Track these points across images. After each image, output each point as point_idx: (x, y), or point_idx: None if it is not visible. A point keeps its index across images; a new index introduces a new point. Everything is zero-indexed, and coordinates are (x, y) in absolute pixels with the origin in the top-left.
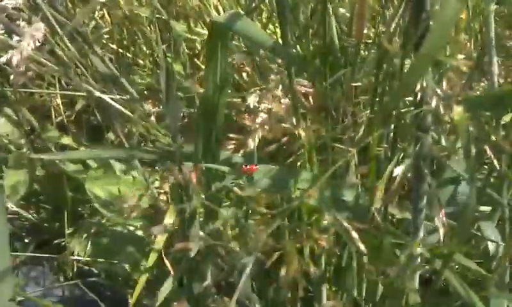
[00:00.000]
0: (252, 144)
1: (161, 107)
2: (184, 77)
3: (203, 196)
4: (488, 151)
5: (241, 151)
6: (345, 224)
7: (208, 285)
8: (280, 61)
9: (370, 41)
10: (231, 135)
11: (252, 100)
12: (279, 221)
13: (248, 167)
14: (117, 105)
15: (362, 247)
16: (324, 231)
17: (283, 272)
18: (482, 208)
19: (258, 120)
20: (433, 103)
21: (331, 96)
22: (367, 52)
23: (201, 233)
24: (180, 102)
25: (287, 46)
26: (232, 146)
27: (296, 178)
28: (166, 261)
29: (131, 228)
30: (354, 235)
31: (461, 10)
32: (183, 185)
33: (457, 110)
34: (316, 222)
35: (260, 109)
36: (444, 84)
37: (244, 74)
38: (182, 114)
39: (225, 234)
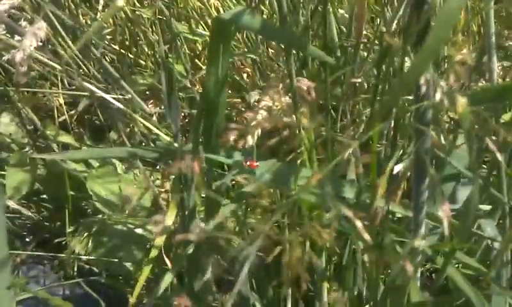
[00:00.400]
0: (251, 140)
1: (163, 107)
2: (185, 77)
3: (204, 194)
4: (491, 145)
5: (240, 143)
6: (349, 213)
7: (209, 280)
8: (280, 59)
9: (369, 41)
10: (232, 125)
11: (252, 98)
12: (279, 215)
13: (248, 163)
14: (119, 105)
15: (367, 236)
16: (326, 225)
17: (285, 259)
18: (483, 206)
19: (258, 117)
20: (437, 97)
21: (331, 95)
22: (366, 53)
23: (201, 224)
24: (180, 102)
25: (286, 28)
26: (233, 136)
27: (296, 175)
28: (166, 259)
29: (132, 227)
30: (358, 224)
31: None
32: (183, 182)
33: (462, 102)
34: (317, 217)
35: (260, 106)
36: (451, 77)
37: (245, 75)
38: (183, 114)
39: (226, 227)
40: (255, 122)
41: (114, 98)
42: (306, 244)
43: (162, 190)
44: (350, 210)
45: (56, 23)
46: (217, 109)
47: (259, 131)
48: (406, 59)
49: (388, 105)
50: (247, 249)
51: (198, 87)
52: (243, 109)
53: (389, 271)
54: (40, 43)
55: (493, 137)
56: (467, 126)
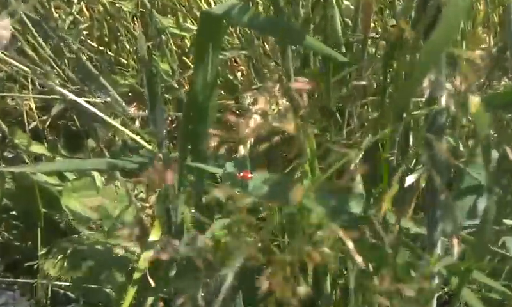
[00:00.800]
0: (243, 149)
1: (146, 111)
2: (171, 77)
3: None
4: (510, 155)
5: (222, 150)
6: (340, 233)
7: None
8: (277, 55)
9: (377, 35)
10: (212, 131)
11: (246, 101)
12: (268, 233)
13: (242, 174)
14: (96, 110)
15: (359, 259)
16: (319, 244)
17: (264, 286)
18: (508, 221)
19: (251, 123)
20: (443, 101)
21: (336, 97)
22: (374, 48)
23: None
24: (167, 104)
25: (279, 20)
26: (214, 143)
27: (295, 187)
28: (151, 281)
29: (112, 247)
30: (350, 245)
31: None
32: (170, 197)
33: (475, 101)
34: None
35: (253, 110)
36: (457, 79)
37: (239, 73)
38: (169, 118)
39: (207, 247)
40: (247, 129)
41: (89, 102)
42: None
43: (147, 205)
44: (341, 229)
45: (25, 19)
46: (206, 113)
47: (252, 139)
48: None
49: (396, 106)
50: (224, 270)
51: (186, 87)
52: (238, 112)
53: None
54: (5, 42)
55: None
56: (483, 131)
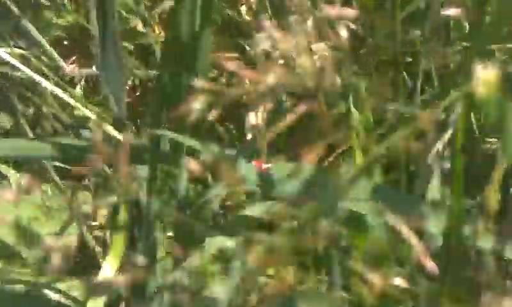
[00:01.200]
0: (254, 119)
1: (94, 67)
2: (134, 13)
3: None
4: None
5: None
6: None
7: None
8: None
9: None
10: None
11: (260, 44)
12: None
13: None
14: (15, 65)
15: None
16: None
17: None
18: None
19: (270, 78)
20: None
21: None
22: None
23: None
24: (127, 57)
25: None
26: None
27: (341, 189)
28: None
29: (43, 289)
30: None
31: None
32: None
33: None
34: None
35: (273, 57)
36: None
37: (243, 8)
38: (131, 81)
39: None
40: (261, 86)
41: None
42: None
43: (95, 223)
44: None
45: None
46: (192, 63)
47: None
48: None
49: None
50: None
51: (158, 31)
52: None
53: None
54: None
55: None
56: None
